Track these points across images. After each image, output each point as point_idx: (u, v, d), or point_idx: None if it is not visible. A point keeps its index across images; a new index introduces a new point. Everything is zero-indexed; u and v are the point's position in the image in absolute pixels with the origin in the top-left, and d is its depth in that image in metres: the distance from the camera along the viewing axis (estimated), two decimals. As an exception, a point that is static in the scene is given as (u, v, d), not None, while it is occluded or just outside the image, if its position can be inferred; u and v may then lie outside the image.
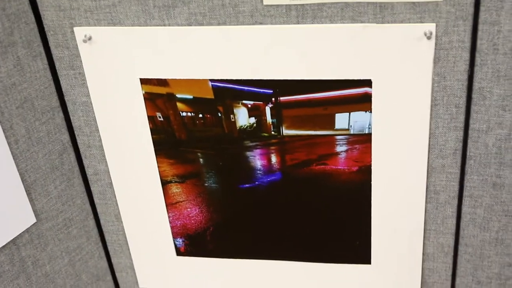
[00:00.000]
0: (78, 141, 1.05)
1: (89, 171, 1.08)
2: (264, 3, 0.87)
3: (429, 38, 0.86)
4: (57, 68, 0.98)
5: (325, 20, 0.88)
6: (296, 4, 0.87)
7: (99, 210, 1.12)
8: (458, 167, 0.97)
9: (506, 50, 0.85)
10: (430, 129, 0.94)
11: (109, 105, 0.99)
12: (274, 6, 0.87)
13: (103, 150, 1.05)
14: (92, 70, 0.97)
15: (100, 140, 1.04)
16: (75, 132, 1.04)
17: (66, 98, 1.00)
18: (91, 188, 1.10)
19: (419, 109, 0.92)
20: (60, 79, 0.99)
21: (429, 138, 0.95)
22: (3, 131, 0.93)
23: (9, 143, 0.94)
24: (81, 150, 1.06)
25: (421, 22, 0.86)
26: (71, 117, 1.02)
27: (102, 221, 1.13)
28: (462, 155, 0.96)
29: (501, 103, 0.90)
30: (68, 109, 1.02)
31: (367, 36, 0.87)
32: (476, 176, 0.97)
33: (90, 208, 1.11)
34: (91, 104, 1.00)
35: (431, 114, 0.93)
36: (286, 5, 0.87)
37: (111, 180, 1.08)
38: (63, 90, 1.00)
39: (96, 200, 1.11)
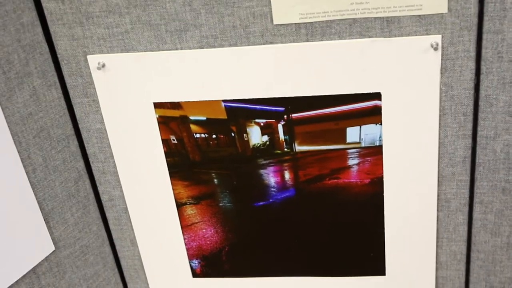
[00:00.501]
0: (93, 168, 1.06)
1: (104, 197, 1.09)
2: (275, 22, 0.90)
3: (435, 49, 0.89)
4: (71, 97, 0.99)
5: (334, 37, 0.90)
6: (305, 22, 0.89)
7: (114, 236, 1.13)
8: (468, 174, 0.99)
9: (510, 58, 0.88)
10: (439, 138, 0.96)
11: (123, 130, 1.01)
12: (284, 25, 0.90)
13: (117, 175, 1.06)
14: (106, 96, 0.98)
15: (115, 166, 1.05)
16: (89, 159, 1.05)
17: (80, 126, 1.02)
18: (106, 214, 1.11)
19: (428, 119, 0.94)
20: (74, 107, 1.00)
21: (439, 147, 0.97)
22: (21, 160, 0.94)
23: (27, 173, 0.95)
24: (96, 177, 1.07)
25: (427, 34, 0.88)
26: (86, 145, 1.04)
27: (117, 247, 1.14)
28: (471, 162, 0.98)
29: (507, 109, 0.92)
30: (83, 136, 1.03)
31: (375, 50, 0.90)
32: (485, 182, 0.99)
33: (105, 234, 1.12)
34: (105, 130, 1.01)
35: (439, 123, 0.95)
36: (295, 23, 0.90)
37: (126, 205, 1.09)
38: (77, 118, 1.01)
39: (111, 226, 1.12)
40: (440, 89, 0.92)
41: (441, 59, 0.90)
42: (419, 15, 0.87)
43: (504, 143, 0.95)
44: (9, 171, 0.92)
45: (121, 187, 1.07)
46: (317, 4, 0.87)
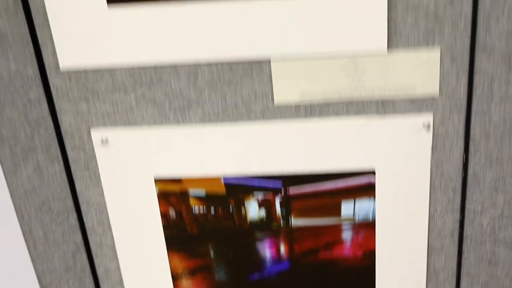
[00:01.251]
0: (90, 241, 1.07)
1: (99, 270, 1.09)
2: (275, 103, 0.94)
3: (427, 129, 0.94)
4: (72, 170, 1.01)
5: (331, 115, 0.94)
6: (304, 104, 0.94)
7: (107, 308, 1.13)
8: (455, 247, 1.03)
9: (497, 137, 0.93)
10: (429, 212, 1.00)
11: (122, 204, 1.02)
12: (284, 105, 0.94)
13: (114, 249, 1.07)
14: (108, 171, 1.00)
15: (112, 239, 1.06)
16: (87, 231, 1.06)
17: (80, 199, 1.03)
18: (101, 287, 1.11)
19: (418, 194, 0.99)
20: (75, 180, 1.02)
21: (429, 221, 1.01)
22: (23, 234, 0.94)
23: (28, 247, 0.95)
24: (93, 250, 1.07)
25: (420, 114, 0.93)
26: (84, 217, 1.05)
27: (110, 320, 1.14)
28: (459, 235, 1.02)
29: (494, 185, 0.97)
30: (82, 209, 1.04)
31: (370, 128, 0.94)
32: (472, 255, 1.03)
33: (99, 307, 1.12)
34: (105, 203, 1.03)
35: (430, 199, 0.99)
36: (295, 104, 0.94)
37: (121, 277, 1.09)
38: (77, 191, 1.03)
39: (105, 299, 1.12)
40: (431, 166, 0.97)
41: (432, 138, 0.95)
42: (413, 99, 0.92)
43: (490, 217, 1.00)
44: (11, 246, 0.93)
45: (117, 259, 1.08)
46: (317, 85, 0.92)
